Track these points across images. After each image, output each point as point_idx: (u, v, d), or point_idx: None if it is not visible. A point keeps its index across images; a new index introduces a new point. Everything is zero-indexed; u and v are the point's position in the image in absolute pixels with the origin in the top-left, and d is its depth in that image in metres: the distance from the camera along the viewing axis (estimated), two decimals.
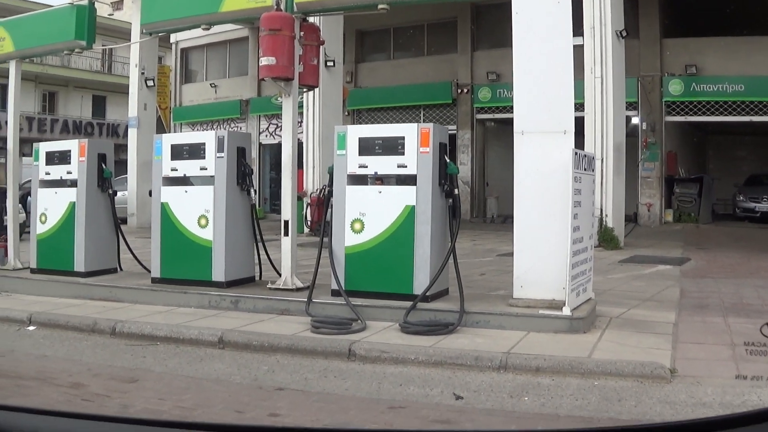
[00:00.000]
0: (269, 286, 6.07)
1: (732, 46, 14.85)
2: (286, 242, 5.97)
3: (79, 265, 7.02)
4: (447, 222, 5.48)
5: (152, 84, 16.63)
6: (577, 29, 12.42)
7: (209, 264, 6.14)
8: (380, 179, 5.57)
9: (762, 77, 14.43)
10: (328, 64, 13.72)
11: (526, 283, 5.09)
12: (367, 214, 5.55)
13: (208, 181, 6.22)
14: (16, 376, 4.35)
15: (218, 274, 6.15)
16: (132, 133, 16.99)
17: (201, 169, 6.29)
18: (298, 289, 5.93)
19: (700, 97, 15.29)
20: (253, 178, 6.48)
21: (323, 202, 13.45)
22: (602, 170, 11.31)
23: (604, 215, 11.40)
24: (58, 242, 7.15)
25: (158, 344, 5.09)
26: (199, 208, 6.20)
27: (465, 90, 16.97)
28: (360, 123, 17.36)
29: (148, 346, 5.06)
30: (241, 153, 6.26)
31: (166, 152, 6.42)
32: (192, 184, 6.38)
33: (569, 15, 5.15)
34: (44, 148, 7.48)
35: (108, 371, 4.41)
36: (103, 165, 7.13)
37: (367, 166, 5.59)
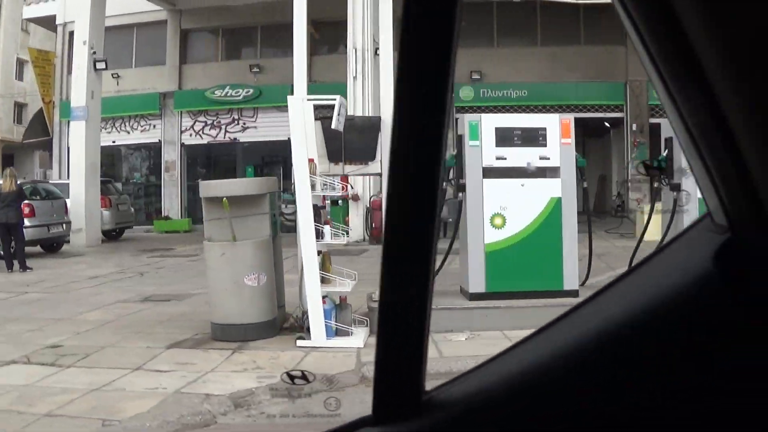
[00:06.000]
0: None
1: None
2: None
3: (570, 282, 5.39)
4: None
5: (103, 67, 13.74)
6: None
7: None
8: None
9: None
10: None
11: None
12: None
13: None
14: None
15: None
16: (77, 127, 13.58)
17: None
18: None
19: None
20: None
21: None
22: None
23: None
24: (531, 253, 5.41)
25: None
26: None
27: None
28: None
29: None
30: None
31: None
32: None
33: None
34: (491, 122, 5.55)
35: None
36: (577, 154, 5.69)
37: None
